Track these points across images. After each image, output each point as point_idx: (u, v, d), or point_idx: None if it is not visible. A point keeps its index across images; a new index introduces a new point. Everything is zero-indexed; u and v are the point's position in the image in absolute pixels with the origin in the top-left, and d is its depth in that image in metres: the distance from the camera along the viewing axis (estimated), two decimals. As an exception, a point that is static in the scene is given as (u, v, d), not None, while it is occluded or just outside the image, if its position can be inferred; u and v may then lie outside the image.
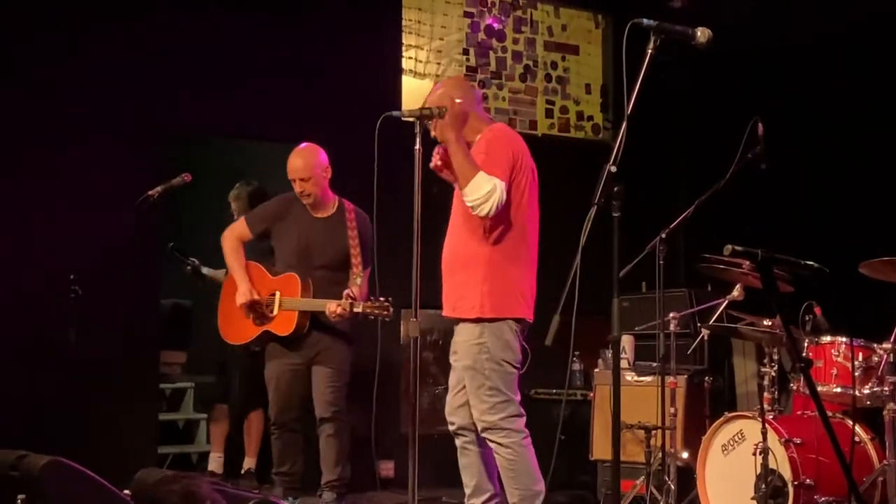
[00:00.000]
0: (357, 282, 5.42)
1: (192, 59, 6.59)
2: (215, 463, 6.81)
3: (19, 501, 3.82)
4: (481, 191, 4.41)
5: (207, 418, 7.37)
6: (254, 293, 5.55)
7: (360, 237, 5.56)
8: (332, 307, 5.31)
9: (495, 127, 4.78)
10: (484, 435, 4.58)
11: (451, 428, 4.76)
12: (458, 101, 4.57)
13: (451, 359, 4.77)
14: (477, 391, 4.54)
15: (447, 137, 4.51)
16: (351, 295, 5.30)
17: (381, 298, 5.21)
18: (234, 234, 5.72)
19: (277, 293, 5.55)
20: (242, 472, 6.80)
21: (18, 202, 6.05)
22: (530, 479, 4.54)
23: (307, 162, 5.55)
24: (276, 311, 5.53)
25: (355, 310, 5.27)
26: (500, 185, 4.45)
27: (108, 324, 6.07)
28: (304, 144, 5.65)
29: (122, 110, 6.38)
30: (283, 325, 5.51)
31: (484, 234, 4.55)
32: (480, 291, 4.53)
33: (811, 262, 3.66)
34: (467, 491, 4.77)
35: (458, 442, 4.77)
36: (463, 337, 4.59)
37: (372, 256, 5.50)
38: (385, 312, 5.20)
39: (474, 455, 4.72)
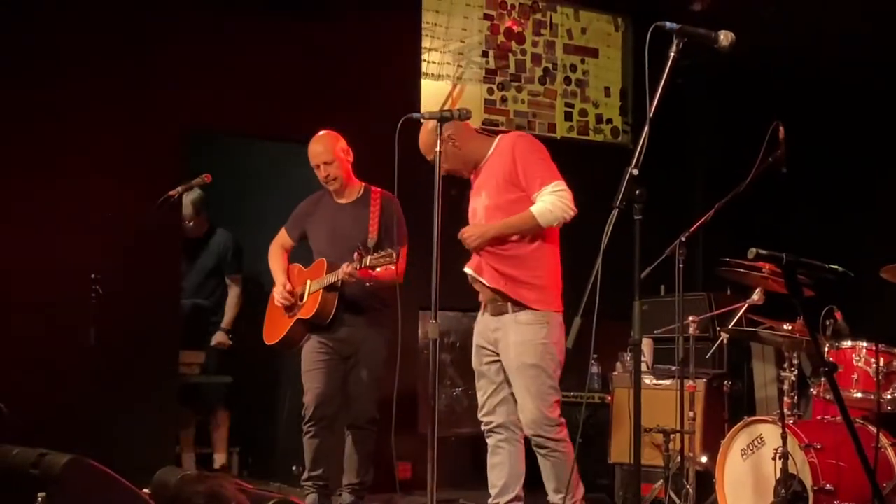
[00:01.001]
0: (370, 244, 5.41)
1: (212, 61, 6.61)
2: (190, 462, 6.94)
3: (40, 500, 3.83)
4: (555, 213, 4.61)
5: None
6: (287, 285, 5.60)
7: (382, 220, 5.51)
8: (343, 269, 5.29)
9: (512, 135, 4.92)
10: (540, 432, 4.63)
11: (487, 427, 4.83)
12: (452, 140, 4.77)
13: (483, 359, 4.84)
14: (537, 390, 4.63)
15: (489, 237, 4.69)
16: (360, 252, 5.24)
17: (386, 249, 5.17)
18: (277, 244, 5.82)
19: (308, 281, 5.58)
20: (217, 467, 6.93)
21: (40, 202, 6.08)
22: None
23: (327, 145, 5.56)
24: (305, 298, 5.56)
25: (365, 265, 5.18)
26: (561, 187, 4.65)
27: (128, 324, 6.08)
28: (321, 132, 5.66)
29: (145, 110, 6.40)
30: (308, 307, 5.51)
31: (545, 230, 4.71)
32: (541, 286, 4.71)
33: (836, 266, 3.65)
34: (493, 490, 4.81)
35: (491, 440, 4.83)
36: (525, 337, 4.62)
37: (404, 236, 5.49)
38: (388, 259, 5.12)
39: (506, 454, 4.79)
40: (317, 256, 5.64)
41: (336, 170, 5.56)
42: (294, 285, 5.65)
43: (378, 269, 5.18)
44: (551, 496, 4.73)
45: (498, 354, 4.81)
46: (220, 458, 7.04)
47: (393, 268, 5.14)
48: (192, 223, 7.01)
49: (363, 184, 5.70)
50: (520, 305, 4.65)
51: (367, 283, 5.36)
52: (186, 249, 6.94)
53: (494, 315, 4.81)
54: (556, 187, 4.65)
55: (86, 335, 5.50)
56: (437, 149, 4.29)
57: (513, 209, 4.70)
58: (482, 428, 4.89)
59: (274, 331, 5.71)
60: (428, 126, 4.77)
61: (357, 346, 5.51)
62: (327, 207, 5.68)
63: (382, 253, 5.16)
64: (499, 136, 4.95)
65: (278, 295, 5.61)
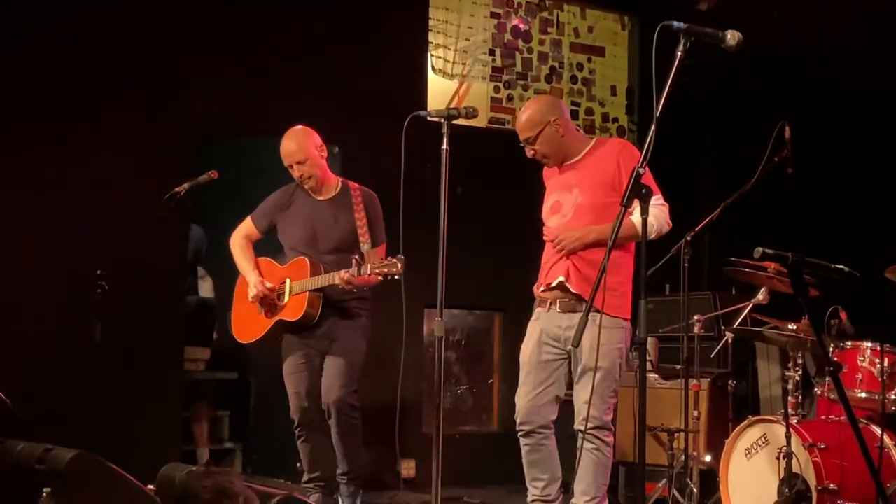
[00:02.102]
0: (365, 250, 5.24)
1: (219, 58, 6.63)
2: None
3: (45, 495, 3.83)
4: (655, 226, 4.57)
5: (231, 415, 7.46)
6: (265, 283, 5.38)
7: (367, 215, 5.36)
8: (341, 275, 5.12)
9: (617, 141, 4.90)
10: (594, 433, 4.60)
11: (526, 428, 4.73)
12: (554, 119, 4.71)
13: (544, 355, 4.75)
14: (604, 392, 4.59)
15: (589, 241, 4.60)
16: (358, 260, 5.11)
17: (390, 257, 4.97)
18: (241, 234, 5.58)
19: (287, 280, 5.38)
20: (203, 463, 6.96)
21: (46, 198, 6.10)
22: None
23: (301, 143, 5.33)
24: (286, 298, 5.37)
25: (364, 273, 5.04)
26: (661, 200, 4.63)
27: (133, 320, 6.10)
28: (294, 127, 5.42)
29: (151, 108, 6.42)
30: (294, 309, 5.32)
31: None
32: (622, 292, 4.68)
33: (842, 266, 3.65)
34: (540, 484, 4.74)
35: (531, 440, 4.74)
36: (604, 339, 4.46)
37: (383, 233, 5.39)
38: (394, 269, 4.91)
39: (546, 451, 4.75)
40: (290, 253, 5.44)
41: (311, 168, 5.34)
42: (269, 281, 5.42)
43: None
44: (577, 498, 4.69)
45: (565, 352, 4.73)
46: (202, 454, 6.98)
47: (398, 276, 4.94)
48: None
49: (339, 179, 5.52)
50: (598, 310, 4.41)
51: (364, 288, 5.25)
52: None
53: (565, 312, 4.70)
54: (657, 200, 4.59)
55: (91, 331, 5.51)
56: (444, 147, 4.29)
57: (606, 212, 4.61)
58: (522, 428, 4.74)
59: (248, 329, 5.52)
60: (528, 111, 4.78)
61: (333, 337, 5.35)
62: (303, 203, 5.47)
63: (386, 262, 4.97)
64: (595, 138, 4.97)
65: (256, 291, 5.39)
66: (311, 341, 5.39)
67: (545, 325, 4.76)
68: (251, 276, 5.45)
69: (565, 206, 4.77)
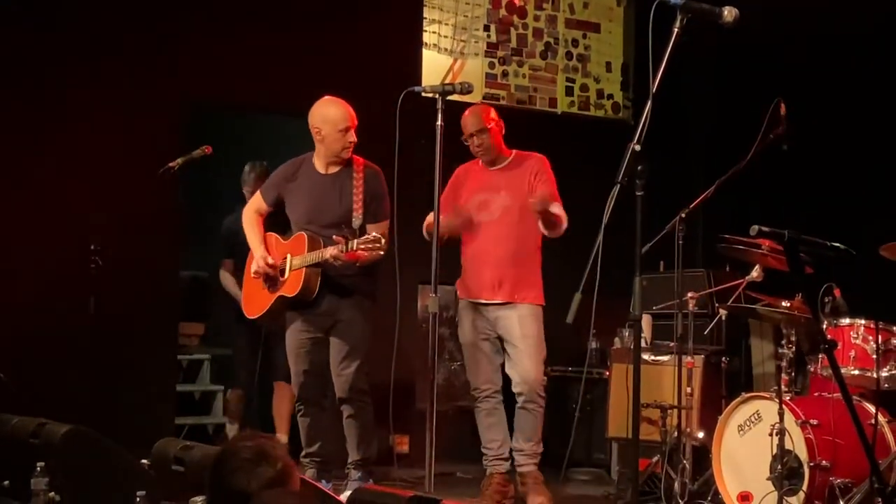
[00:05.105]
0: (356, 225, 5.25)
1: (213, 33, 6.60)
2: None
3: (39, 469, 3.84)
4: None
5: (224, 390, 7.43)
6: (268, 258, 5.39)
7: (366, 192, 5.34)
8: (330, 251, 5.13)
9: (537, 155, 5.63)
10: (528, 393, 5.43)
11: (485, 392, 5.53)
12: (495, 124, 5.56)
13: (482, 335, 5.55)
14: (535, 357, 5.47)
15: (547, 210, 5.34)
16: (346, 236, 5.10)
17: (373, 234, 5.04)
18: (252, 209, 5.59)
19: (288, 255, 5.38)
20: None
21: (40, 172, 6.09)
22: None
23: (351, 111, 5.36)
24: (287, 274, 5.37)
25: (350, 249, 5.04)
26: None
27: (127, 295, 6.09)
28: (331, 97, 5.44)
29: (146, 82, 6.40)
30: (292, 284, 5.33)
31: (538, 236, 5.52)
32: (537, 283, 5.54)
33: (837, 244, 3.65)
34: (495, 445, 5.53)
35: (489, 404, 5.54)
36: (527, 312, 5.48)
37: (385, 210, 5.37)
38: (377, 245, 4.98)
39: (501, 413, 5.55)
40: (295, 227, 5.44)
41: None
42: (273, 256, 5.43)
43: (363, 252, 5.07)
44: (521, 443, 5.51)
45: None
46: (281, 439, 6.89)
47: (381, 252, 5.04)
48: None
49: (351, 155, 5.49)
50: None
51: (357, 265, 5.23)
52: None
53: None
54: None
55: (85, 305, 5.51)
56: (439, 123, 4.30)
57: (526, 216, 5.42)
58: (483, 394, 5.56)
59: (255, 304, 5.55)
60: (477, 112, 5.59)
61: (335, 318, 5.36)
62: (308, 176, 5.45)
63: (369, 238, 5.00)
64: (516, 152, 5.66)
65: (257, 267, 5.41)
66: (312, 318, 5.39)
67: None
68: (257, 251, 5.47)
69: (493, 206, 5.51)
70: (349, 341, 5.36)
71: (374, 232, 5.14)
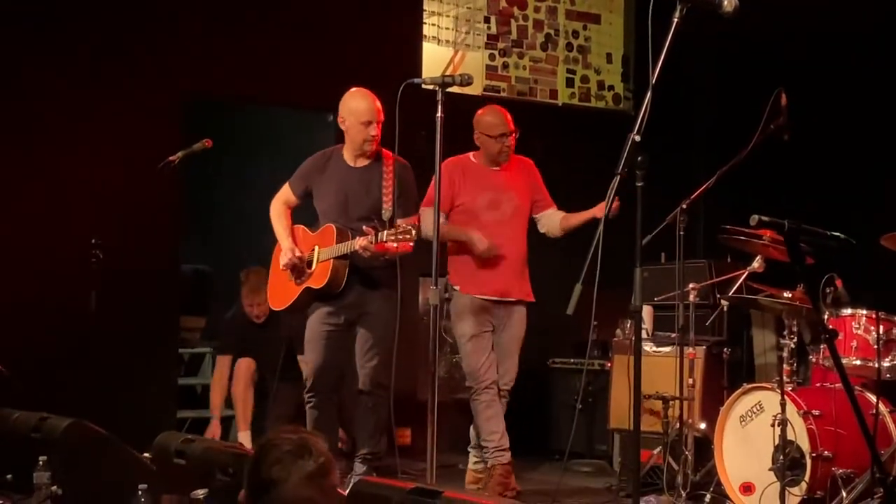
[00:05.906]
0: (386, 217, 5.21)
1: (212, 27, 6.59)
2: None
3: (41, 463, 3.85)
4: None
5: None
6: (296, 250, 5.37)
7: (396, 185, 5.30)
8: (360, 241, 5.09)
9: (528, 160, 5.78)
10: (509, 388, 5.63)
11: (485, 384, 5.56)
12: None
13: (484, 329, 5.60)
14: (516, 356, 5.63)
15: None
16: (377, 227, 5.09)
17: (407, 225, 4.98)
18: (280, 200, 5.54)
19: (316, 247, 5.37)
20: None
21: (41, 167, 6.09)
22: None
23: (377, 105, 5.32)
24: (314, 266, 5.35)
25: (381, 240, 5.00)
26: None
27: (129, 289, 6.09)
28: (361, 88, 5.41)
29: (146, 76, 6.39)
30: (319, 276, 5.32)
31: (526, 236, 5.70)
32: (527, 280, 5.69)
33: (838, 234, 3.63)
34: (495, 437, 5.54)
35: (487, 396, 5.56)
36: (521, 314, 5.65)
37: (414, 204, 5.36)
38: (408, 236, 4.90)
39: (499, 405, 5.61)
40: (323, 219, 5.43)
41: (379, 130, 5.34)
42: (300, 248, 5.42)
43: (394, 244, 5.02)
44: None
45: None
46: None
47: (411, 243, 4.97)
48: None
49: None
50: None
51: (384, 257, 5.18)
52: None
53: None
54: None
55: (87, 300, 5.51)
56: (439, 115, 4.30)
57: (526, 217, 5.70)
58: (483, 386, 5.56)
59: (281, 296, 5.55)
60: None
61: (363, 310, 5.36)
62: (338, 168, 5.43)
63: (402, 229, 4.93)
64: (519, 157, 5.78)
65: (286, 259, 5.40)
66: (338, 310, 5.37)
67: None
68: (284, 243, 5.45)
69: (504, 206, 5.62)
70: (375, 333, 5.35)
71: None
